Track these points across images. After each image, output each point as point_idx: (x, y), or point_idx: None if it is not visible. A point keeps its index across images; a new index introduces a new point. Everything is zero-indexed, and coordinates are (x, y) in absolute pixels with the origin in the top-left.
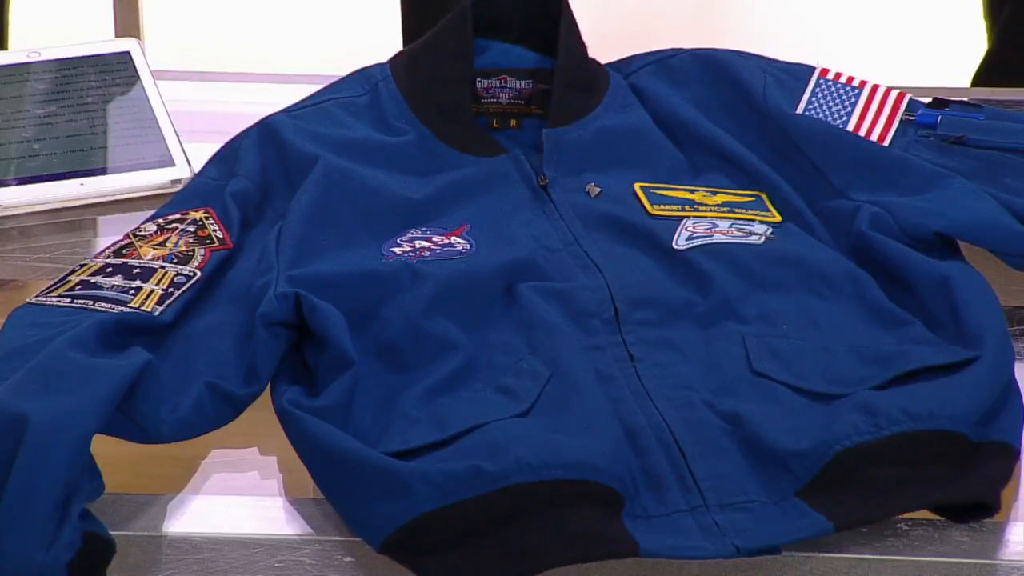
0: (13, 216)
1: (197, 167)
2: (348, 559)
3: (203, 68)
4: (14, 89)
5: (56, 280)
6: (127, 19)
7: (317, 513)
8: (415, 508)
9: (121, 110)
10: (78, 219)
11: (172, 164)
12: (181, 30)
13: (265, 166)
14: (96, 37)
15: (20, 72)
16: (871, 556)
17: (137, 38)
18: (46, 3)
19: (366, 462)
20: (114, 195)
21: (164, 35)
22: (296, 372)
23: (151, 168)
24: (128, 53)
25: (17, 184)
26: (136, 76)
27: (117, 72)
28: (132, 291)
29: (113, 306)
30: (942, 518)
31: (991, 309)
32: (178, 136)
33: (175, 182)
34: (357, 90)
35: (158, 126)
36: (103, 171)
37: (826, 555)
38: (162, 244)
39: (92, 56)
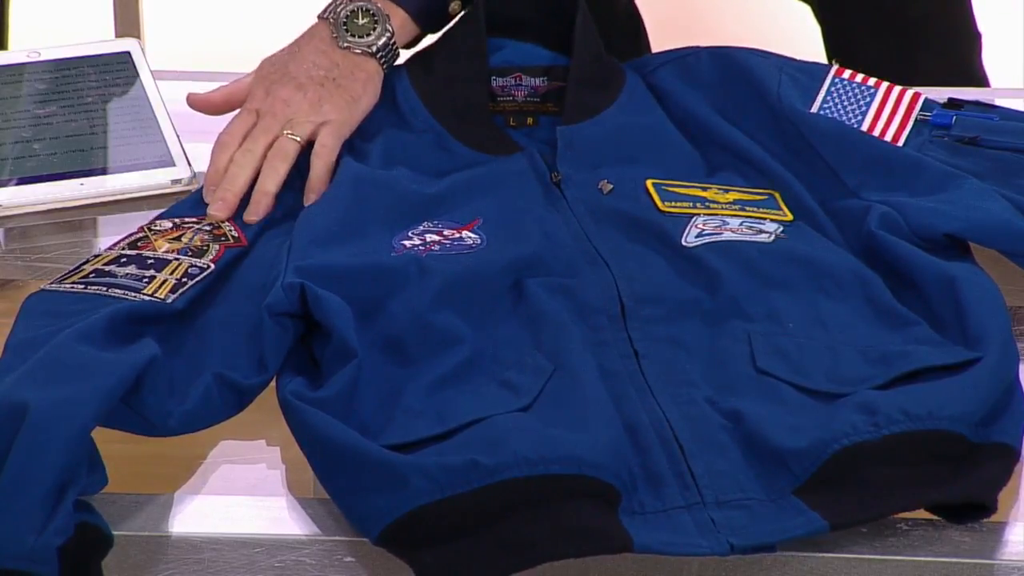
0: (13, 216)
1: (197, 167)
2: (349, 559)
3: (203, 68)
4: (14, 89)
5: (71, 268)
6: (127, 19)
7: (318, 513)
8: (412, 501)
9: (121, 110)
10: (78, 219)
11: (172, 164)
12: (181, 30)
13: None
14: (96, 37)
15: (20, 72)
16: (871, 556)
17: (137, 38)
18: (46, 3)
19: (364, 454)
20: (114, 195)
21: (164, 35)
22: (301, 364)
23: (151, 168)
24: (128, 53)
25: (17, 184)
26: (136, 76)
27: (117, 72)
28: (146, 279)
29: (126, 292)
30: (941, 518)
31: (996, 310)
32: (178, 136)
33: (175, 182)
34: None
35: (158, 126)
36: (103, 171)
37: (826, 555)
38: (177, 239)
39: (92, 56)
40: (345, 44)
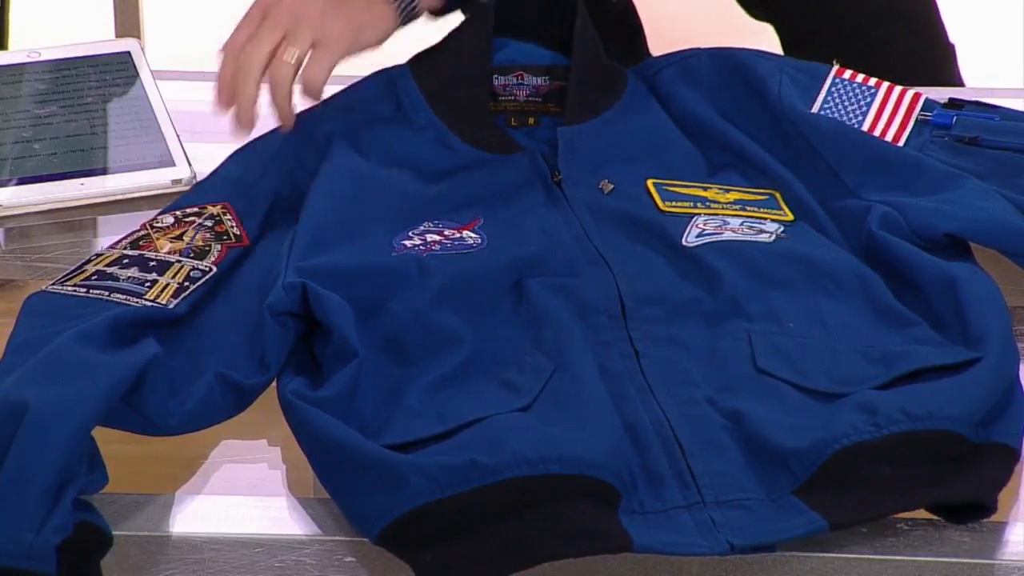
0: (13, 216)
1: (198, 167)
2: (349, 559)
3: (203, 68)
4: (14, 89)
5: (73, 268)
6: (127, 19)
7: (318, 513)
8: (411, 500)
9: (121, 110)
10: (78, 219)
11: (172, 164)
12: (181, 30)
13: (290, 166)
14: (96, 37)
15: (20, 72)
16: (871, 556)
17: (137, 38)
18: (46, 3)
19: (364, 454)
20: (114, 195)
21: (164, 35)
22: (302, 363)
23: (151, 168)
24: (128, 53)
25: (17, 184)
26: (136, 76)
27: (117, 72)
28: (148, 283)
29: (128, 297)
30: (940, 518)
31: (996, 311)
32: (178, 136)
33: (175, 182)
34: (377, 90)
35: (158, 126)
36: (103, 171)
37: (826, 555)
38: (179, 237)
39: (92, 56)
40: None
